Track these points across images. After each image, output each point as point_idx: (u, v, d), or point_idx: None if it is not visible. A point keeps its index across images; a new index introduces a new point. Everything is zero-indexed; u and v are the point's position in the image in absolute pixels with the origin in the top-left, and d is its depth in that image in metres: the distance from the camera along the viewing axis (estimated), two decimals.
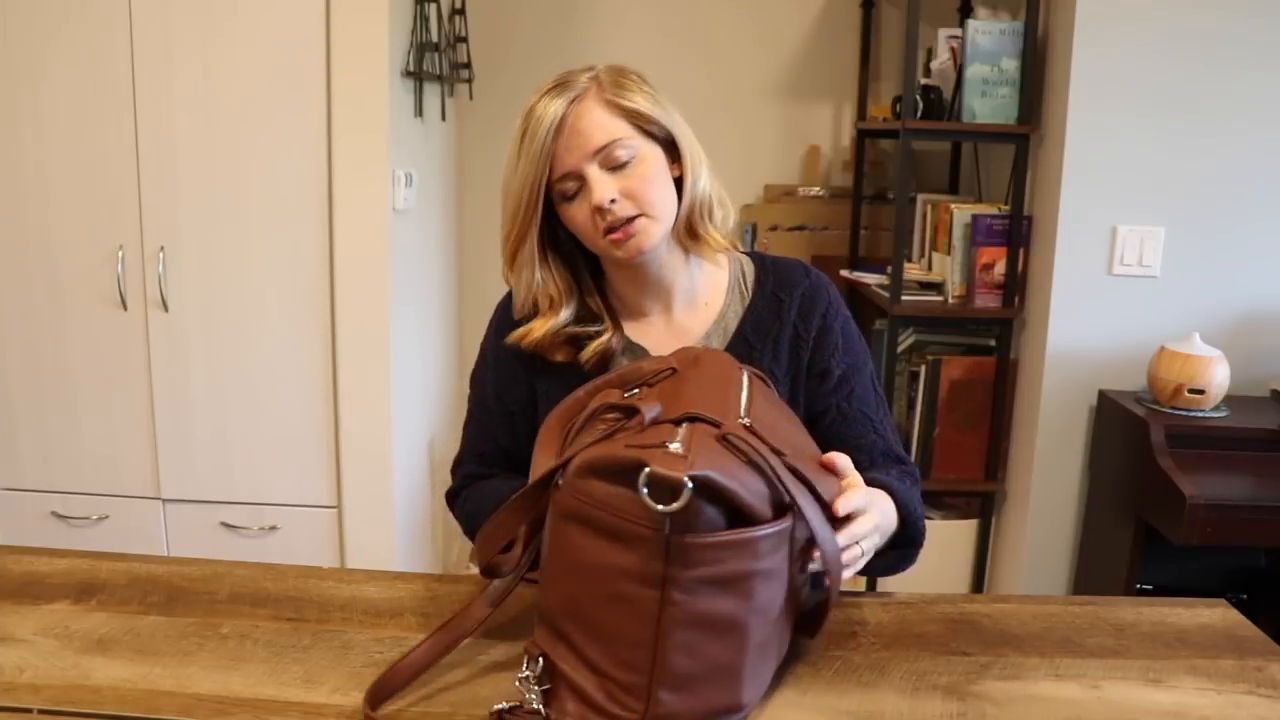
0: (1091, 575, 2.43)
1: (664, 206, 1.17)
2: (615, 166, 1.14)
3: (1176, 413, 2.18)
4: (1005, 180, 2.57)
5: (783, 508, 0.88)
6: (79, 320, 2.38)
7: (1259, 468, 2.10)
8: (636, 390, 1.00)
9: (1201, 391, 2.16)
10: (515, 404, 1.27)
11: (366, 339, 2.37)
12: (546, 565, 0.92)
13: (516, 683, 0.90)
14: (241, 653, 1.01)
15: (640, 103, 1.16)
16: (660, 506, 0.80)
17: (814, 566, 0.95)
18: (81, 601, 1.11)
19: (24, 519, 2.49)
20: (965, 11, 2.78)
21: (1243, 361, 2.29)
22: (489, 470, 1.29)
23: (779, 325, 1.26)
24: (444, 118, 2.75)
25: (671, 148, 1.19)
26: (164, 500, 2.47)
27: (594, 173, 1.13)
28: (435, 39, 2.55)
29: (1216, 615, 1.16)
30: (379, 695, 0.92)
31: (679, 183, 1.20)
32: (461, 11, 2.70)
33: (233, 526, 2.47)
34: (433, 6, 2.51)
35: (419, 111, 2.53)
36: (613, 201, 1.13)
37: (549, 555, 0.91)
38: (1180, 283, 2.35)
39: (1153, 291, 2.36)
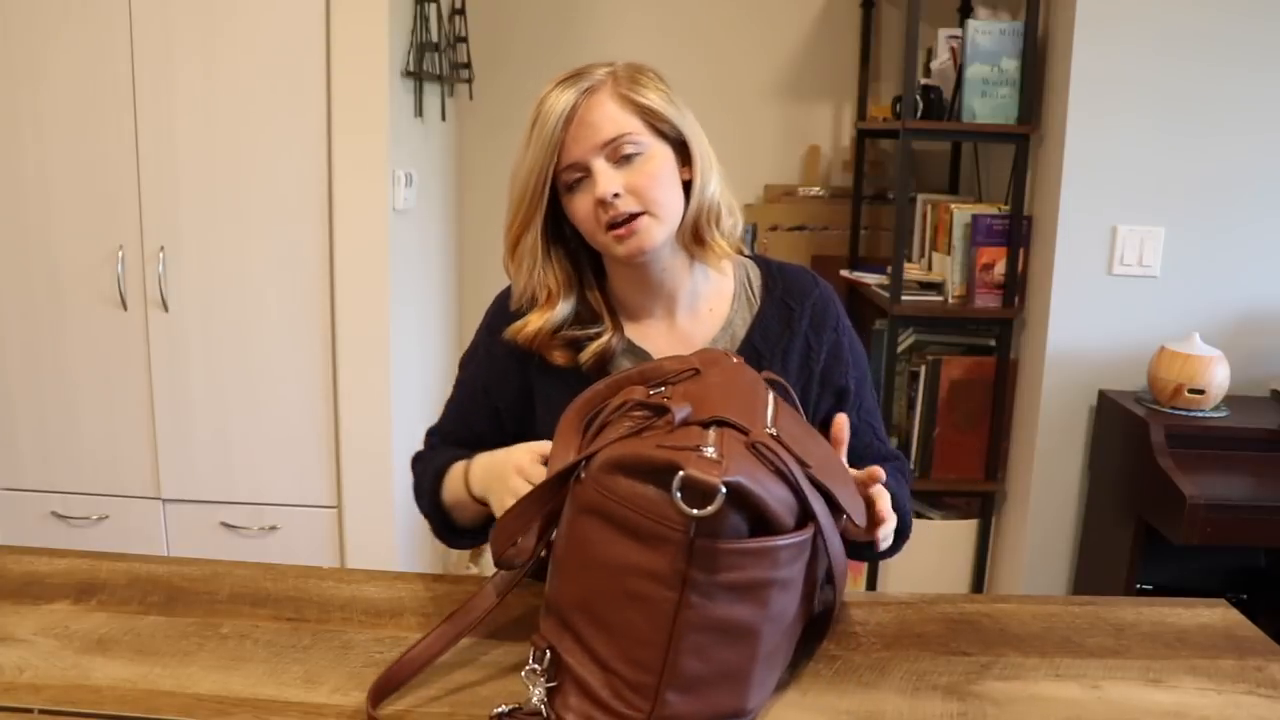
0: (1091, 575, 2.43)
1: (669, 207, 1.15)
2: (622, 162, 1.12)
3: (1176, 413, 2.18)
4: (1005, 180, 2.57)
5: (804, 518, 0.88)
6: (79, 320, 2.38)
7: (1259, 468, 2.10)
8: (662, 388, 0.99)
9: (1201, 391, 2.16)
10: (503, 400, 1.26)
11: (366, 339, 2.37)
12: (560, 558, 0.91)
13: (523, 675, 0.90)
14: (241, 653, 1.01)
15: (654, 100, 1.15)
16: (693, 510, 0.80)
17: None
18: (81, 601, 1.11)
19: (24, 519, 2.49)
20: (965, 11, 2.78)
21: (1243, 361, 2.29)
22: (460, 452, 1.25)
23: (789, 335, 1.24)
24: (444, 118, 2.76)
25: (682, 150, 1.17)
26: (164, 500, 2.47)
27: (600, 165, 1.12)
28: (435, 39, 2.55)
29: (1216, 615, 1.16)
30: (384, 690, 0.92)
31: (688, 186, 1.18)
32: (461, 11, 2.70)
33: (233, 526, 2.47)
34: (433, 6, 2.51)
35: (419, 111, 2.53)
36: (616, 196, 1.11)
37: (564, 548, 0.90)
38: (1180, 283, 2.35)
39: (1153, 291, 2.36)
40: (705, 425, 0.89)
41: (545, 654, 0.89)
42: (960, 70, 2.47)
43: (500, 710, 0.89)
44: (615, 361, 1.21)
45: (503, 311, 1.25)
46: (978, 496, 2.69)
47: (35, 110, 2.28)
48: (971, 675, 1.01)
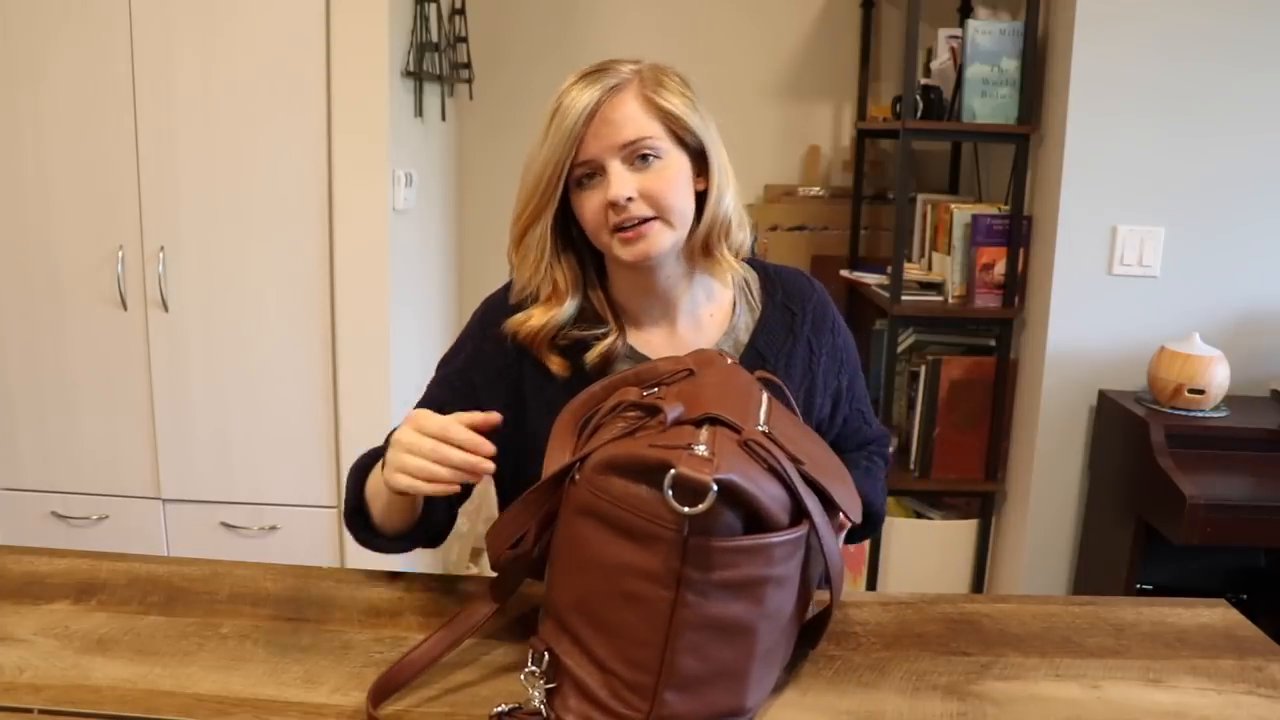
0: (1091, 575, 2.43)
1: (681, 215, 1.13)
2: (638, 165, 1.11)
3: (1176, 413, 2.18)
4: (1005, 180, 2.57)
5: (798, 515, 0.88)
6: (79, 320, 2.38)
7: (1259, 468, 2.10)
8: (656, 389, 0.99)
9: (1201, 391, 2.16)
10: (490, 400, 1.18)
11: (366, 339, 2.37)
12: (557, 560, 0.91)
13: (522, 678, 0.90)
14: (241, 653, 1.01)
15: (678, 106, 1.12)
16: (685, 508, 0.80)
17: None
18: (81, 601, 1.11)
19: (24, 519, 2.49)
20: (965, 11, 2.78)
21: (1243, 361, 2.29)
22: None
23: (792, 339, 1.24)
24: (444, 118, 2.76)
25: (699, 159, 1.16)
26: (164, 500, 2.47)
27: (615, 166, 1.10)
28: (435, 39, 2.55)
29: (1216, 615, 1.16)
30: (383, 691, 0.92)
31: (701, 197, 1.16)
32: (461, 11, 2.70)
33: (233, 526, 2.47)
34: (433, 6, 2.51)
35: (419, 111, 2.53)
36: (629, 200, 1.09)
37: (560, 550, 0.91)
38: (1180, 283, 2.35)
39: (1153, 291, 2.36)
40: (698, 424, 0.89)
41: (544, 656, 0.89)
42: (960, 70, 2.47)
43: (500, 710, 0.89)
44: (617, 365, 1.20)
45: (498, 307, 1.23)
46: (978, 496, 2.69)
47: (35, 110, 2.28)
48: (971, 675, 1.01)
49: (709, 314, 1.24)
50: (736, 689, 0.88)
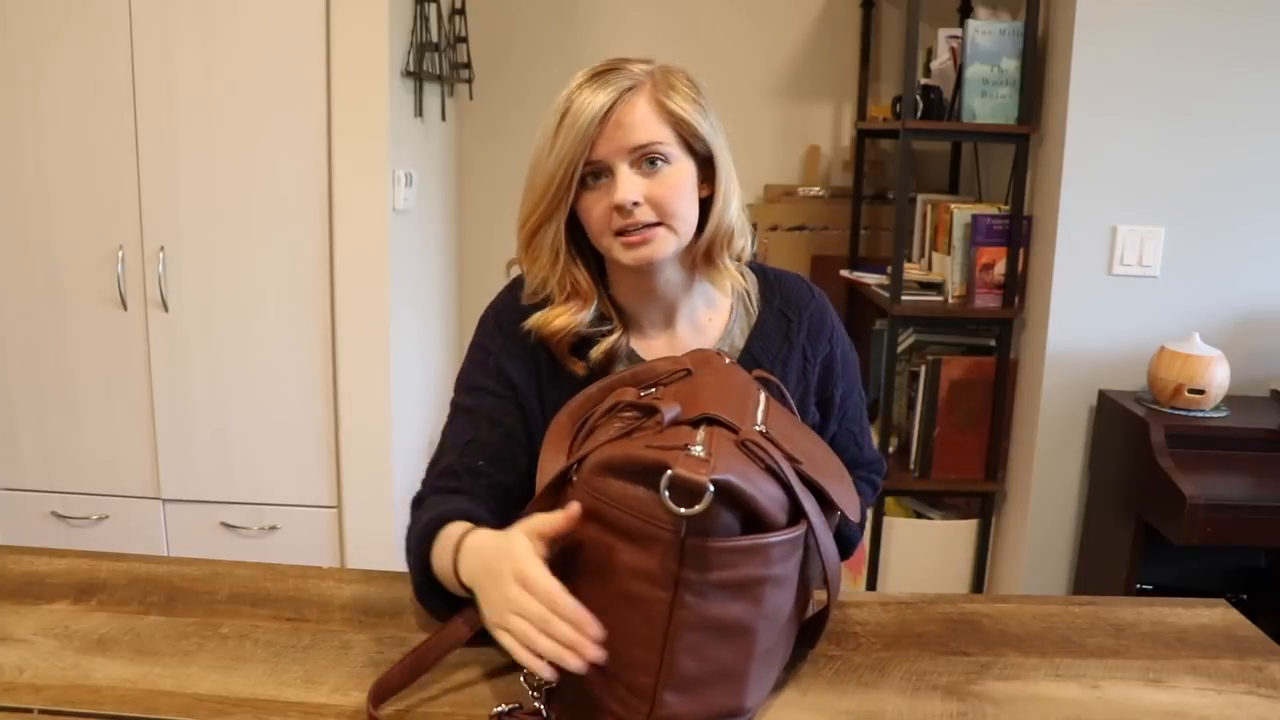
0: (1091, 575, 2.43)
1: (685, 221, 1.13)
2: (646, 169, 1.10)
3: (1176, 413, 2.18)
4: (1005, 180, 2.57)
5: (796, 515, 0.88)
6: (79, 320, 2.38)
7: (1259, 468, 2.10)
8: (653, 389, 0.99)
9: (1201, 391, 2.16)
10: (526, 400, 1.17)
11: (366, 339, 2.37)
12: (555, 561, 0.91)
13: (522, 678, 0.90)
14: (241, 653, 1.01)
15: (691, 113, 1.11)
16: (681, 509, 0.80)
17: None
18: (81, 601, 1.11)
19: (24, 519, 2.49)
20: (965, 11, 2.78)
21: (1243, 361, 2.29)
22: (472, 462, 1.14)
23: (788, 346, 1.23)
24: (444, 118, 2.76)
25: (707, 165, 1.15)
26: (164, 500, 2.47)
27: (623, 169, 1.09)
28: (435, 39, 2.55)
29: (1216, 615, 1.16)
30: (382, 693, 0.92)
31: (705, 204, 1.15)
32: (461, 11, 2.70)
33: (233, 526, 2.47)
34: (433, 6, 2.51)
35: (419, 111, 2.53)
36: (635, 204, 1.09)
37: (559, 551, 0.91)
38: (1180, 283, 2.35)
39: (1153, 291, 2.36)
40: (695, 424, 0.89)
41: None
42: (960, 70, 2.47)
43: (500, 710, 0.89)
44: (617, 365, 1.19)
45: (510, 308, 1.21)
46: (978, 496, 2.69)
47: (35, 110, 2.28)
48: (971, 675, 1.01)
49: (708, 319, 1.23)
50: (736, 689, 0.88)
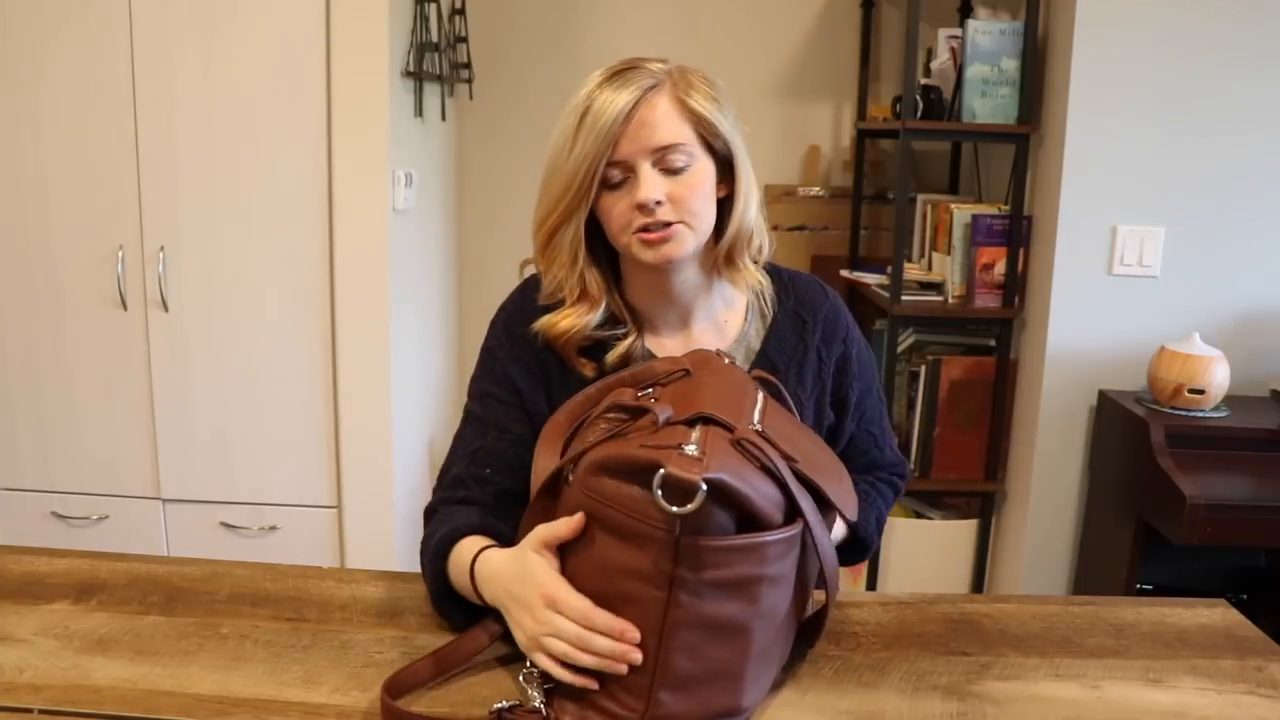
0: (1091, 575, 2.43)
1: (704, 220, 1.13)
2: (669, 169, 1.10)
3: (1176, 413, 2.18)
4: (1005, 180, 2.57)
5: (792, 514, 0.88)
6: (79, 320, 2.38)
7: (1259, 468, 2.10)
8: (650, 390, 0.99)
9: (1201, 391, 2.16)
10: (534, 406, 1.18)
11: (366, 339, 2.37)
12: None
13: (521, 677, 0.90)
14: (241, 653, 1.01)
15: (713, 113, 1.12)
16: (674, 508, 0.80)
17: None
18: (81, 601, 1.11)
19: (24, 519, 2.49)
20: (965, 11, 2.78)
21: (1243, 361, 2.29)
22: (479, 471, 1.16)
23: (803, 348, 1.23)
24: (444, 118, 2.76)
25: (725, 166, 1.15)
26: (164, 500, 2.47)
27: (646, 169, 1.09)
28: (435, 39, 2.55)
29: (1216, 615, 1.16)
30: (399, 688, 0.93)
31: (723, 205, 1.16)
32: (461, 11, 2.70)
33: (233, 526, 2.47)
34: (433, 6, 2.51)
35: (419, 111, 2.53)
36: (658, 203, 1.09)
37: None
38: (1180, 283, 2.35)
39: (1153, 291, 2.36)
40: (690, 424, 0.89)
41: None
42: (960, 70, 2.47)
43: (499, 706, 0.89)
44: (633, 364, 1.18)
45: (518, 312, 1.21)
46: (978, 496, 2.69)
47: (35, 110, 2.28)
48: (971, 675, 1.01)
49: (724, 320, 1.23)
50: (732, 688, 0.88)
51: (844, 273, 2.85)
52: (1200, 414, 2.17)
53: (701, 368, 1.03)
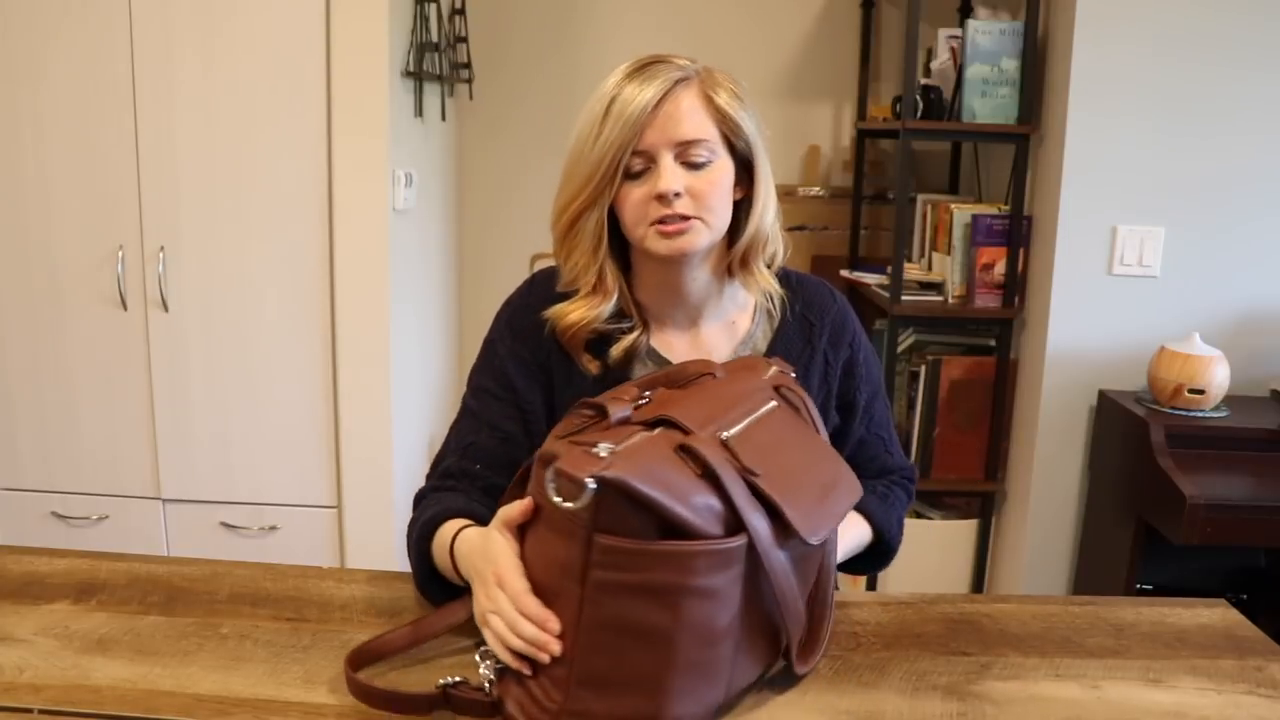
0: (1091, 575, 2.43)
1: (720, 218, 1.13)
2: (690, 164, 1.10)
3: (1176, 413, 2.18)
4: (1005, 180, 2.57)
5: (738, 527, 0.86)
6: (79, 320, 2.38)
7: (1259, 468, 2.10)
8: (649, 392, 0.99)
9: (1201, 391, 2.16)
10: (529, 404, 1.19)
11: (366, 339, 2.37)
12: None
13: (477, 656, 0.92)
14: (241, 653, 1.01)
15: (738, 112, 1.13)
16: (563, 501, 0.81)
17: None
18: (81, 601, 1.11)
19: (24, 519, 2.49)
20: (965, 11, 2.78)
21: (1243, 361, 2.29)
22: (470, 466, 1.17)
23: (810, 351, 1.23)
24: (444, 118, 2.76)
25: (745, 169, 1.16)
26: (164, 500, 2.47)
27: (667, 160, 1.09)
28: (435, 39, 2.55)
29: (1216, 615, 1.16)
30: (366, 656, 0.97)
31: (740, 207, 1.16)
32: (461, 11, 2.70)
33: (233, 526, 2.47)
34: (433, 6, 2.51)
35: (419, 111, 2.53)
36: (677, 195, 1.09)
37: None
38: (1180, 283, 2.35)
39: (1153, 291, 2.36)
40: (651, 425, 0.89)
41: None
42: (960, 70, 2.47)
43: (445, 682, 0.91)
44: (637, 363, 1.20)
45: (522, 309, 1.21)
46: (978, 496, 2.69)
47: (35, 110, 2.28)
48: (971, 675, 1.01)
49: (733, 320, 1.24)
50: (654, 697, 0.86)
51: (844, 273, 2.85)
52: (1200, 414, 2.17)
53: (734, 373, 1.02)
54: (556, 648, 0.86)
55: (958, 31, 2.54)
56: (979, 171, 2.84)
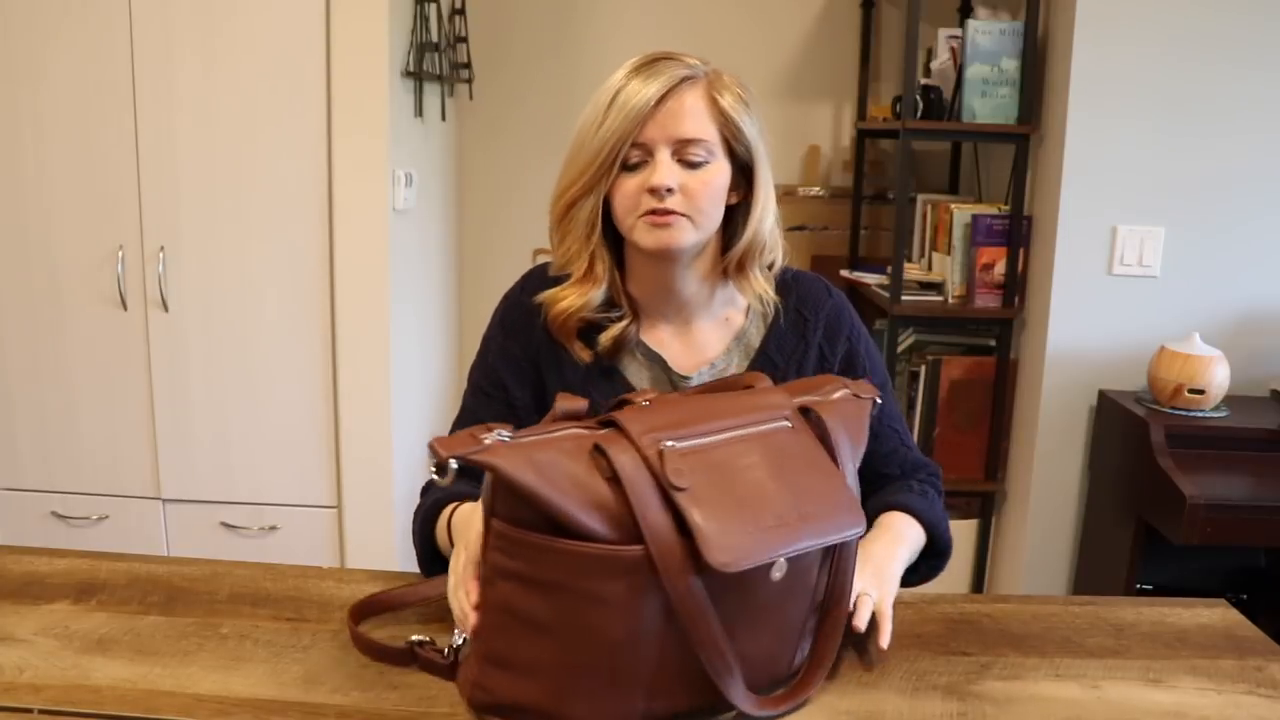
0: (1091, 575, 2.43)
1: (710, 219, 1.14)
2: (687, 162, 1.11)
3: (1176, 413, 2.18)
4: (1005, 180, 2.57)
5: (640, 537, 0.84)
6: (79, 320, 2.38)
7: (1259, 468, 2.10)
8: (652, 395, 1.00)
9: (1201, 391, 2.16)
10: (518, 399, 1.22)
11: (366, 339, 2.37)
12: None
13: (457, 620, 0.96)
14: (241, 653, 1.01)
15: (741, 116, 1.13)
16: (435, 476, 0.82)
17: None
18: (81, 601, 1.11)
19: (24, 519, 2.49)
20: (965, 11, 2.78)
21: (1243, 361, 2.29)
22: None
23: (804, 346, 1.23)
24: (444, 118, 2.76)
25: (744, 174, 1.16)
26: (164, 500, 2.47)
27: (664, 155, 1.10)
28: (435, 39, 2.55)
29: (1216, 615, 1.16)
30: (360, 613, 1.05)
31: (737, 211, 1.17)
32: (461, 11, 2.70)
33: (233, 526, 2.47)
34: (433, 6, 2.51)
35: (419, 111, 2.53)
36: (669, 190, 1.10)
37: None
38: (1180, 283, 2.35)
39: (1153, 291, 2.36)
40: (603, 424, 0.90)
41: None
42: (960, 70, 2.47)
43: (414, 639, 0.97)
44: (625, 354, 1.21)
45: (516, 306, 1.24)
46: (978, 496, 2.69)
47: (35, 110, 2.28)
48: (971, 675, 1.01)
49: (725, 316, 1.24)
50: (551, 691, 0.86)
51: (844, 273, 2.85)
52: (1200, 414, 2.17)
53: (765, 392, 1.01)
54: (472, 621, 0.90)
55: (958, 31, 2.54)
56: (979, 171, 2.84)
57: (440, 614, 1.06)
